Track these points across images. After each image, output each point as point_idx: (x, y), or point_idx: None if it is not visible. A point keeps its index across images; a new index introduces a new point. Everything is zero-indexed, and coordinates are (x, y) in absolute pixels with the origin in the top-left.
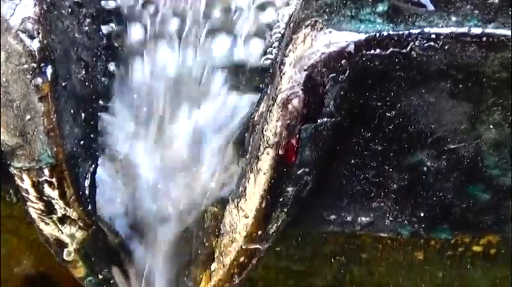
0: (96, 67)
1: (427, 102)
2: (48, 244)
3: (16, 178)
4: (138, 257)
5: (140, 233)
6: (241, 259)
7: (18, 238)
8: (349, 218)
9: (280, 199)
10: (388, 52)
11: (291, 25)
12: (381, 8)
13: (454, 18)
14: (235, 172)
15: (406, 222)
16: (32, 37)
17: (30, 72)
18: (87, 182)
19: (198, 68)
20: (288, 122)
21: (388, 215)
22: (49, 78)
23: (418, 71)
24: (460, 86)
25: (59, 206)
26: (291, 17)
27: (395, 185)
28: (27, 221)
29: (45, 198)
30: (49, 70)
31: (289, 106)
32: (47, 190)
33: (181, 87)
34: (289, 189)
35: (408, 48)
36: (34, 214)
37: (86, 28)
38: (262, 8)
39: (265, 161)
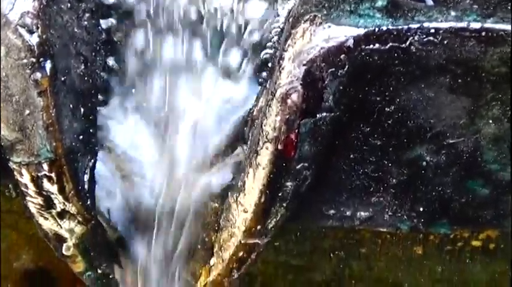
0: (95, 62)
1: (426, 97)
2: (48, 238)
3: (15, 173)
4: (137, 252)
5: (139, 228)
6: (240, 254)
7: (17, 232)
8: (348, 213)
9: (280, 194)
10: (387, 47)
11: (290, 20)
12: (380, 2)
13: (453, 13)
14: (235, 166)
15: (405, 217)
16: (31, 32)
17: (30, 67)
18: (86, 177)
19: (199, 60)
20: (287, 116)
21: (387, 209)
22: (48, 73)
23: (417, 65)
24: (459, 80)
25: (58, 201)
26: (290, 11)
27: (394, 180)
28: (27, 216)
29: (44, 193)
30: (48, 65)
31: (289, 101)
32: (46, 184)
33: (181, 80)
34: (289, 184)
35: (407, 43)
36: (33, 208)
37: (85, 23)
38: None
39: (265, 155)
